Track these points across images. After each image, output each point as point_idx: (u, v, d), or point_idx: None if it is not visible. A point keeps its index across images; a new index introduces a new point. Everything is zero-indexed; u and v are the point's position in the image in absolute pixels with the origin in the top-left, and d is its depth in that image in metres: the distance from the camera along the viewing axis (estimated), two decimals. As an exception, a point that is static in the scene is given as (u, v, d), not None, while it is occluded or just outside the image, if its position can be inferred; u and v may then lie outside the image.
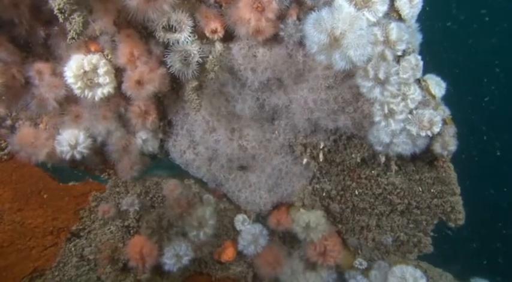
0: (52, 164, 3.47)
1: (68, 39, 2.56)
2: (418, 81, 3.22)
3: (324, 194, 3.94)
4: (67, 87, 3.15)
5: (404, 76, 3.04)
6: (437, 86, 3.23)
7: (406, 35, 2.90)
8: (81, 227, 3.70)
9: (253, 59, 3.26)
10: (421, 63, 3.05)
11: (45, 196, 3.54)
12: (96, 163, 3.71)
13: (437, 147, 3.34)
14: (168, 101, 3.64)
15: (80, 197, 3.68)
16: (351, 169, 3.81)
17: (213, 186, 4.07)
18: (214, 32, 3.14)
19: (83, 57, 3.11)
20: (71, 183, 3.69)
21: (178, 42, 3.11)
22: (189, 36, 3.09)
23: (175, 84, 3.48)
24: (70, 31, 2.53)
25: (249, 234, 4.00)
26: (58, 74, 3.17)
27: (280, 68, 3.29)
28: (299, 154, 3.78)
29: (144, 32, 3.19)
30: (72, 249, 3.65)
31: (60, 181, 3.64)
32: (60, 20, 2.50)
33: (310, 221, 3.85)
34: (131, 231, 3.83)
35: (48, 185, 3.55)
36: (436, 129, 3.17)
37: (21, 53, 3.17)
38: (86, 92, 3.15)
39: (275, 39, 3.20)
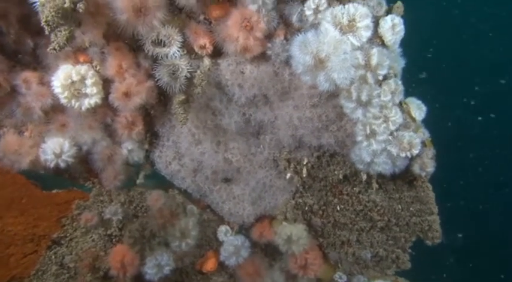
0: (36, 172, 3.47)
1: (48, 49, 2.56)
2: (400, 104, 3.31)
3: (306, 208, 4.01)
4: (54, 96, 3.16)
5: (385, 99, 3.13)
6: (417, 109, 3.33)
7: (387, 61, 2.99)
8: (62, 234, 3.69)
9: (240, 75, 3.32)
10: (400, 88, 3.15)
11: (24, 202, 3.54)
12: (80, 171, 3.71)
13: (416, 168, 3.45)
14: (155, 113, 3.66)
15: (62, 205, 3.67)
16: (333, 185, 3.88)
17: (197, 197, 4.11)
18: (203, 47, 3.19)
19: (71, 67, 3.12)
20: (54, 191, 3.68)
21: (167, 57, 3.16)
22: (178, 51, 3.14)
23: (163, 96, 3.51)
24: (53, 42, 2.54)
25: (231, 245, 4.04)
26: (45, 83, 3.17)
27: (266, 85, 3.35)
28: (283, 169, 3.84)
29: (133, 45, 3.22)
30: (53, 257, 3.64)
31: (43, 189, 3.63)
32: (46, 32, 2.52)
33: (292, 234, 3.91)
34: (113, 240, 3.83)
35: (30, 192, 3.54)
36: (415, 151, 3.27)
37: (9, 62, 3.16)
38: (73, 101, 3.16)
39: (263, 57, 3.26)
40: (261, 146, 3.79)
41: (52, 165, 3.35)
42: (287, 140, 3.61)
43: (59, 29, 2.51)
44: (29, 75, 3.16)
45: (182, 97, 3.27)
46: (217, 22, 3.14)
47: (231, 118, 3.55)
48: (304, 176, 3.82)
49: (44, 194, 3.63)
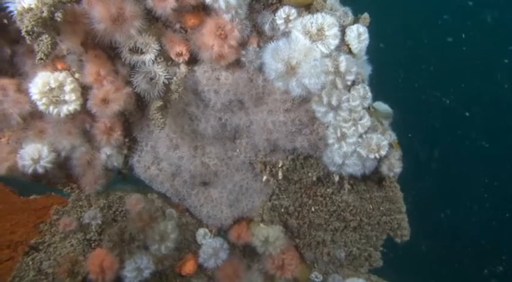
0: (13, 178, 3.48)
1: (36, 60, 2.63)
2: (368, 108, 3.49)
3: (282, 210, 4.14)
4: (32, 103, 3.21)
5: (354, 104, 3.31)
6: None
7: (354, 67, 3.17)
8: (40, 240, 3.70)
9: (216, 81, 3.44)
10: (369, 93, 3.33)
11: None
12: (59, 177, 3.74)
13: (384, 169, 3.63)
14: (133, 119, 3.75)
15: (40, 211, 3.68)
16: (308, 187, 4.03)
17: (176, 201, 4.19)
18: (180, 55, 3.31)
19: (50, 74, 3.18)
20: (32, 197, 3.68)
21: (144, 64, 3.25)
22: (155, 58, 3.24)
23: (140, 102, 3.60)
24: (38, 52, 2.61)
25: (210, 247, 4.13)
26: (23, 91, 3.21)
27: (241, 91, 3.48)
28: (259, 172, 3.97)
29: (111, 53, 3.30)
30: (30, 263, 3.63)
31: (20, 195, 3.63)
32: (28, 42, 2.59)
33: (269, 235, 4.04)
34: (92, 245, 3.85)
35: (7, 198, 3.53)
36: (383, 153, 3.44)
37: (-15, 70, 3.21)
38: (51, 108, 3.21)
39: (237, 64, 3.40)
40: (237, 150, 3.91)
41: (30, 171, 3.38)
42: (262, 143, 3.75)
43: (40, 38, 2.58)
44: (6, 82, 3.21)
45: (160, 103, 3.36)
46: (193, 31, 3.27)
47: (208, 123, 3.67)
48: (280, 178, 3.96)
49: (22, 200, 3.63)
